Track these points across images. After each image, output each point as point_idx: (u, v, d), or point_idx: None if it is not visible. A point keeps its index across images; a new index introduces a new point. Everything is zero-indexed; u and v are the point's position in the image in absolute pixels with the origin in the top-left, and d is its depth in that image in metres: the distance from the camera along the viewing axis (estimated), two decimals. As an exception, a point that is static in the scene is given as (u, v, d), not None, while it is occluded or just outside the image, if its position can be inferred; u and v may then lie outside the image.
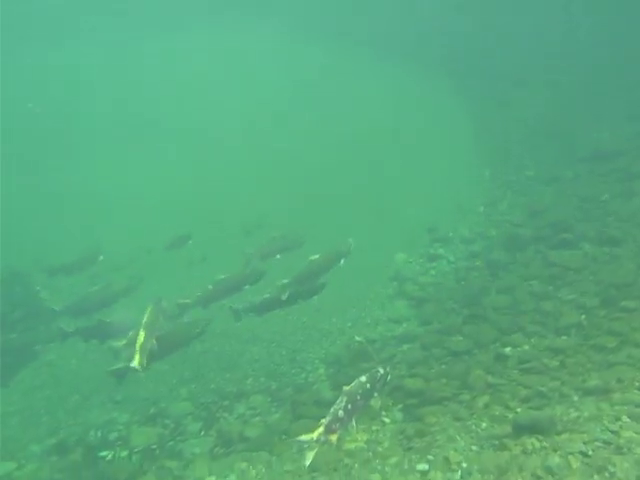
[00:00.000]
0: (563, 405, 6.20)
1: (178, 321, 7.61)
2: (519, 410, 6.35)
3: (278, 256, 8.81)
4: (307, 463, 4.70)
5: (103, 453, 7.43)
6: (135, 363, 5.97)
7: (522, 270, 9.78)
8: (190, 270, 10.86)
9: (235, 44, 24.28)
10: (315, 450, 4.70)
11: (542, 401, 6.42)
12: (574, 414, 5.95)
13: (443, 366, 7.84)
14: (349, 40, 22.08)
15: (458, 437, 6.14)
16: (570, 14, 19.85)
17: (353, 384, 5.15)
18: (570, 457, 5.18)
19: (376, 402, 6.62)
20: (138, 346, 6.08)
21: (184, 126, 18.07)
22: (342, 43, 22.04)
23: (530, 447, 5.48)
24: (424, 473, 5.71)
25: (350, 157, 15.02)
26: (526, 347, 7.71)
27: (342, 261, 7.99)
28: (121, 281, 9.16)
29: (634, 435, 5.29)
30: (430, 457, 5.91)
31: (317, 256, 7.82)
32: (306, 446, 4.68)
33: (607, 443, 5.26)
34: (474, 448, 5.88)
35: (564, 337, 7.75)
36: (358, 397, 5.06)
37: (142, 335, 6.19)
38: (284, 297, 7.48)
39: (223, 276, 7.82)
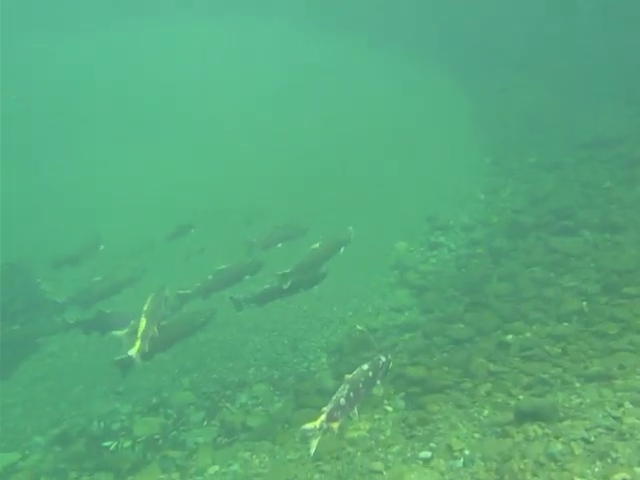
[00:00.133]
0: (565, 392, 6.21)
1: (182, 311, 7.64)
2: (521, 397, 6.36)
3: (280, 245, 8.80)
4: (312, 451, 4.67)
5: (106, 443, 7.43)
6: (134, 351, 5.96)
7: (524, 257, 9.74)
8: (191, 260, 10.84)
9: (236, 31, 24.15)
10: (319, 438, 4.68)
11: (544, 388, 6.42)
12: (576, 401, 5.96)
13: (445, 354, 7.82)
14: (348, 27, 21.88)
15: (460, 425, 6.15)
16: (571, -1, 19.64)
17: (355, 372, 5.14)
18: (572, 444, 5.20)
19: (378, 390, 6.66)
20: (140, 334, 6.07)
21: (185, 114, 17.92)
22: (341, 30, 21.86)
23: (532, 434, 5.50)
24: (427, 461, 5.73)
25: (350, 145, 14.95)
26: (528, 334, 7.68)
27: (342, 249, 7.98)
28: (124, 271, 9.12)
29: (636, 421, 5.31)
30: (432, 445, 5.93)
31: (317, 245, 7.82)
32: (310, 434, 4.63)
33: (609, 429, 5.28)
34: (476, 435, 5.89)
35: (566, 324, 7.73)
36: (360, 385, 5.05)
37: (143, 322, 6.17)
38: (286, 286, 7.49)
39: (223, 266, 7.83)
